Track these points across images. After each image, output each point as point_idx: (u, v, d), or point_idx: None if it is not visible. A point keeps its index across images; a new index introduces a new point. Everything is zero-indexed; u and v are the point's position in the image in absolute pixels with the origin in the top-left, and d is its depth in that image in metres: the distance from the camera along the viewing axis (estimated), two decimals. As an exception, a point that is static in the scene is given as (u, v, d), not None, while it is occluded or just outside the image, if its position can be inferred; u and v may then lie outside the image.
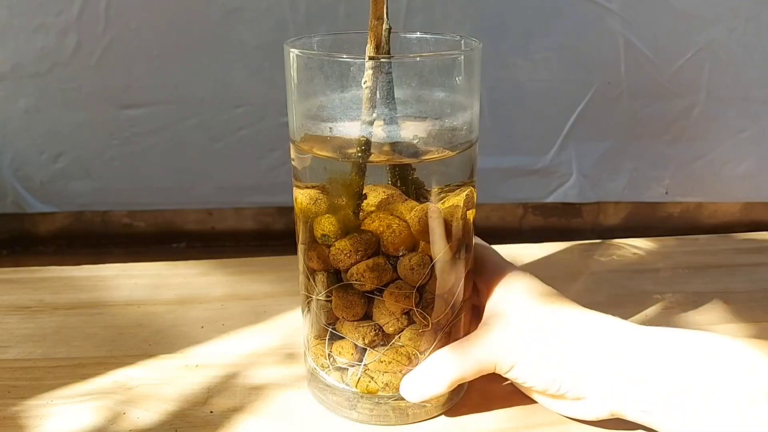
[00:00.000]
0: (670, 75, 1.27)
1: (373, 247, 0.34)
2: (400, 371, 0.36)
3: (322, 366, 0.38)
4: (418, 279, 0.34)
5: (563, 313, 0.35)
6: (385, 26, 0.32)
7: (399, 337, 0.35)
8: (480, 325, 0.37)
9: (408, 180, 0.34)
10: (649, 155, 1.34)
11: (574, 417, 0.36)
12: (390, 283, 0.34)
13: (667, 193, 1.38)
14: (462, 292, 0.37)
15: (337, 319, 0.36)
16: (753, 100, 1.30)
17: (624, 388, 0.33)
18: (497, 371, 0.35)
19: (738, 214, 1.42)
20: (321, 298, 0.36)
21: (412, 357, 0.36)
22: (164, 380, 0.41)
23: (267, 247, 1.35)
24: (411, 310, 0.35)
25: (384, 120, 0.33)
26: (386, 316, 0.35)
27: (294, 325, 0.47)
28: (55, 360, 0.43)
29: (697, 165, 1.36)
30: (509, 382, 0.40)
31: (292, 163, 0.37)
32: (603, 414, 0.34)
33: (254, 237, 1.37)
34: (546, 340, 0.34)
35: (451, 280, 0.36)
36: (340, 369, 0.37)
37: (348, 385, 0.37)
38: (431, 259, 0.34)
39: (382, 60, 0.32)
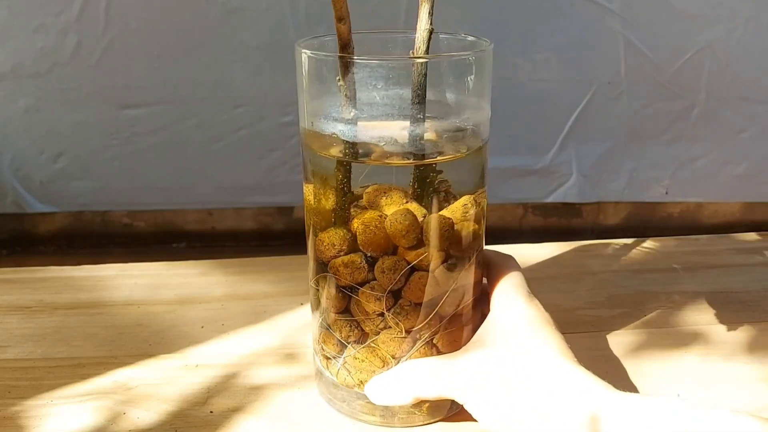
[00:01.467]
0: (670, 75, 1.27)
1: (350, 243, 0.34)
2: (374, 372, 0.36)
3: (316, 351, 0.39)
4: (389, 283, 0.34)
5: (538, 367, 0.32)
6: (427, 27, 0.33)
7: (376, 339, 0.35)
8: (467, 345, 0.36)
9: (425, 183, 0.34)
10: (649, 155, 1.34)
11: None
12: (366, 282, 0.34)
13: (667, 193, 1.38)
14: (453, 306, 0.36)
15: (325, 308, 0.37)
16: (753, 100, 1.30)
17: None
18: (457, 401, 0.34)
19: (738, 214, 1.42)
20: (312, 284, 0.37)
21: (386, 361, 0.36)
22: (164, 380, 0.41)
23: (267, 247, 1.35)
24: (384, 313, 0.35)
25: (410, 121, 0.33)
26: (361, 314, 0.35)
27: (294, 325, 0.47)
28: (55, 360, 0.43)
29: (697, 165, 1.36)
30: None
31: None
32: None
33: (254, 237, 1.37)
34: (507, 394, 0.32)
35: (432, 291, 0.35)
36: (326, 358, 0.38)
37: (331, 374, 0.38)
38: (407, 264, 0.34)
39: (417, 59, 0.32)
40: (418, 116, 0.33)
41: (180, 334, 0.46)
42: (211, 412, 0.38)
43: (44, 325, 0.47)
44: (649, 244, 0.59)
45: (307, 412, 0.39)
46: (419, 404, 0.37)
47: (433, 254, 0.34)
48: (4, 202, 1.29)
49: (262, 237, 1.37)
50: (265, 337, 0.46)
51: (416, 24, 0.33)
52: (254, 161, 1.28)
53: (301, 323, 0.47)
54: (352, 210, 0.34)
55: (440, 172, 0.34)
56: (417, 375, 0.35)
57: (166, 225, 1.36)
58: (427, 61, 0.32)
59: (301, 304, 0.49)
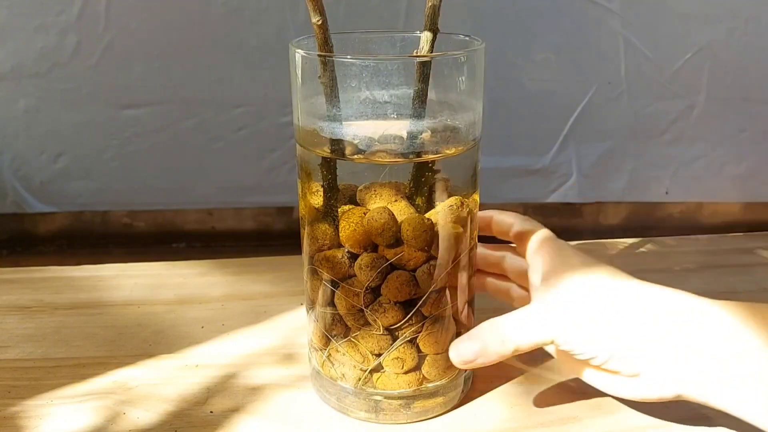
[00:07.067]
0: (670, 75, 1.27)
1: (332, 239, 0.34)
2: (354, 366, 0.36)
3: (308, 342, 0.40)
4: (366, 280, 0.34)
5: (621, 285, 0.35)
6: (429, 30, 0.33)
7: (356, 334, 0.36)
8: (534, 298, 0.37)
9: (420, 181, 0.34)
10: (649, 155, 1.34)
11: (632, 397, 0.35)
12: (347, 277, 0.34)
13: (667, 193, 1.38)
14: (437, 307, 0.36)
15: (312, 301, 0.37)
16: (753, 100, 1.30)
17: (679, 362, 0.33)
18: (554, 344, 0.35)
19: (738, 214, 1.42)
20: (304, 276, 0.38)
21: (366, 356, 0.36)
22: (164, 380, 0.41)
23: (267, 247, 1.35)
24: (362, 309, 0.35)
25: (411, 120, 0.33)
26: (342, 308, 0.35)
27: (294, 325, 0.47)
28: (55, 360, 0.43)
29: (697, 165, 1.36)
30: (509, 380, 0.40)
31: None
32: (667, 394, 0.34)
33: (254, 237, 1.37)
34: (603, 313, 0.34)
35: (412, 291, 0.35)
36: (315, 349, 0.38)
37: (318, 365, 0.38)
38: (386, 262, 0.34)
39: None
40: (410, 114, 0.33)
41: (180, 334, 0.46)
42: (211, 412, 0.38)
43: (44, 325, 0.47)
44: (649, 244, 0.59)
45: (307, 412, 0.39)
46: (408, 403, 0.37)
47: (411, 254, 0.34)
48: (4, 202, 1.29)
49: (262, 237, 1.37)
50: (264, 337, 0.46)
51: (414, 24, 0.33)
52: (254, 161, 1.28)
53: (300, 323, 0.47)
54: (342, 206, 0.34)
55: (437, 171, 0.34)
56: (510, 333, 0.35)
57: (166, 225, 1.36)
58: (422, 61, 0.32)
59: (301, 304, 0.49)
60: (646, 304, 0.34)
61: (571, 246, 0.39)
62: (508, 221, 0.41)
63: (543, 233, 0.40)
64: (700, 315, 0.33)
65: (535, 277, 0.38)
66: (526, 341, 0.35)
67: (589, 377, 0.37)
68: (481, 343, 0.35)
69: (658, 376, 0.33)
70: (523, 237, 0.40)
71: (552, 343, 0.35)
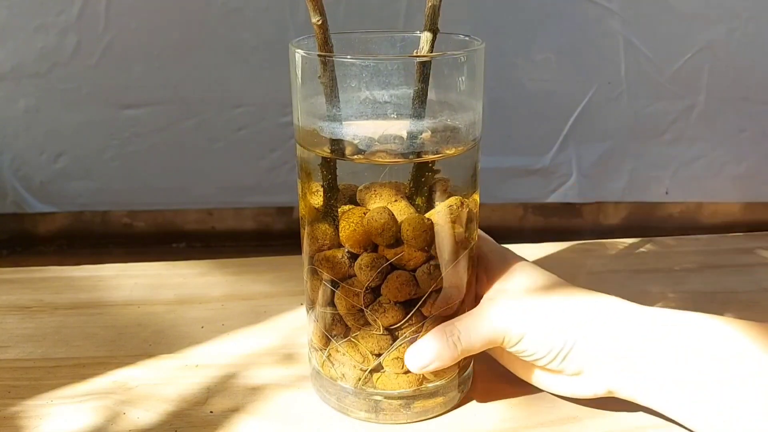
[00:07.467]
0: (670, 75, 1.27)
1: (332, 239, 0.34)
2: (354, 366, 0.36)
3: (309, 342, 0.39)
4: (366, 280, 0.34)
5: (567, 290, 0.36)
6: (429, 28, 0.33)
7: (356, 334, 0.35)
8: (483, 300, 0.37)
9: (420, 182, 0.34)
10: (649, 155, 1.34)
11: (571, 395, 0.37)
12: (347, 277, 0.34)
13: (667, 193, 1.38)
14: (437, 307, 0.36)
15: (312, 301, 0.37)
16: (753, 100, 1.30)
17: (620, 363, 0.34)
18: (504, 344, 0.35)
19: (738, 214, 1.42)
20: (304, 276, 0.38)
21: (366, 356, 0.36)
22: (164, 380, 0.41)
23: (267, 247, 1.35)
24: (362, 309, 0.35)
25: (411, 120, 0.33)
26: (342, 308, 0.35)
27: (294, 325, 0.47)
28: (55, 360, 0.43)
29: (697, 165, 1.36)
30: (509, 381, 0.40)
31: None
32: (600, 391, 0.35)
33: (254, 237, 1.37)
34: (552, 311, 0.35)
35: (412, 291, 0.35)
36: (315, 349, 0.38)
37: (318, 365, 0.38)
38: (386, 262, 0.34)
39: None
40: (410, 114, 0.33)
41: (180, 334, 0.46)
42: (211, 412, 0.38)
43: (44, 325, 0.47)
44: (649, 244, 0.59)
45: (307, 412, 0.39)
46: (408, 403, 0.37)
47: (411, 254, 0.34)
48: (4, 202, 1.29)
49: (262, 237, 1.37)
50: (264, 337, 0.46)
51: (414, 24, 0.33)
52: (254, 161, 1.28)
53: (300, 323, 0.47)
54: (342, 206, 0.34)
55: (437, 171, 0.34)
56: (462, 333, 0.36)
57: (166, 225, 1.36)
58: (422, 61, 0.32)
59: (301, 304, 0.49)
60: (588, 309, 0.35)
61: (526, 260, 0.40)
62: None
63: (486, 239, 0.41)
64: (635, 317, 0.35)
65: (485, 288, 0.39)
66: (477, 342, 0.36)
67: (535, 378, 0.38)
68: (435, 348, 0.35)
69: (596, 374, 0.35)
70: (479, 250, 0.41)
71: (502, 342, 0.36)
